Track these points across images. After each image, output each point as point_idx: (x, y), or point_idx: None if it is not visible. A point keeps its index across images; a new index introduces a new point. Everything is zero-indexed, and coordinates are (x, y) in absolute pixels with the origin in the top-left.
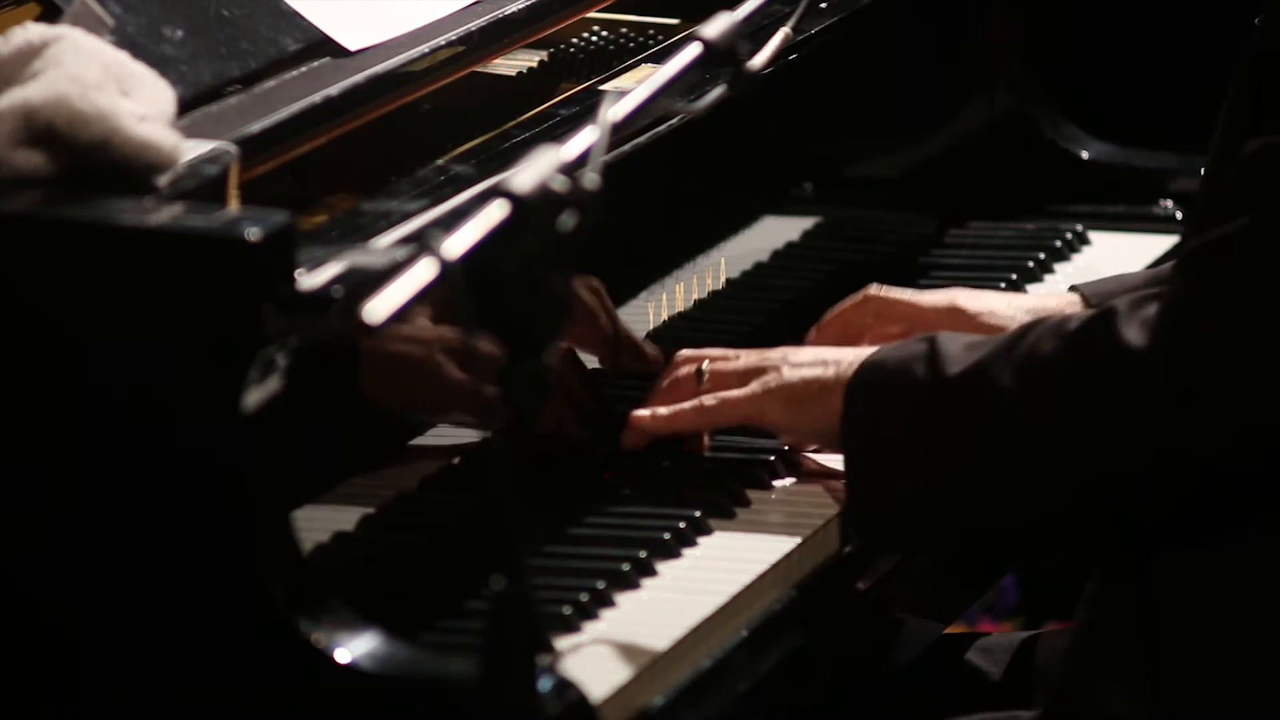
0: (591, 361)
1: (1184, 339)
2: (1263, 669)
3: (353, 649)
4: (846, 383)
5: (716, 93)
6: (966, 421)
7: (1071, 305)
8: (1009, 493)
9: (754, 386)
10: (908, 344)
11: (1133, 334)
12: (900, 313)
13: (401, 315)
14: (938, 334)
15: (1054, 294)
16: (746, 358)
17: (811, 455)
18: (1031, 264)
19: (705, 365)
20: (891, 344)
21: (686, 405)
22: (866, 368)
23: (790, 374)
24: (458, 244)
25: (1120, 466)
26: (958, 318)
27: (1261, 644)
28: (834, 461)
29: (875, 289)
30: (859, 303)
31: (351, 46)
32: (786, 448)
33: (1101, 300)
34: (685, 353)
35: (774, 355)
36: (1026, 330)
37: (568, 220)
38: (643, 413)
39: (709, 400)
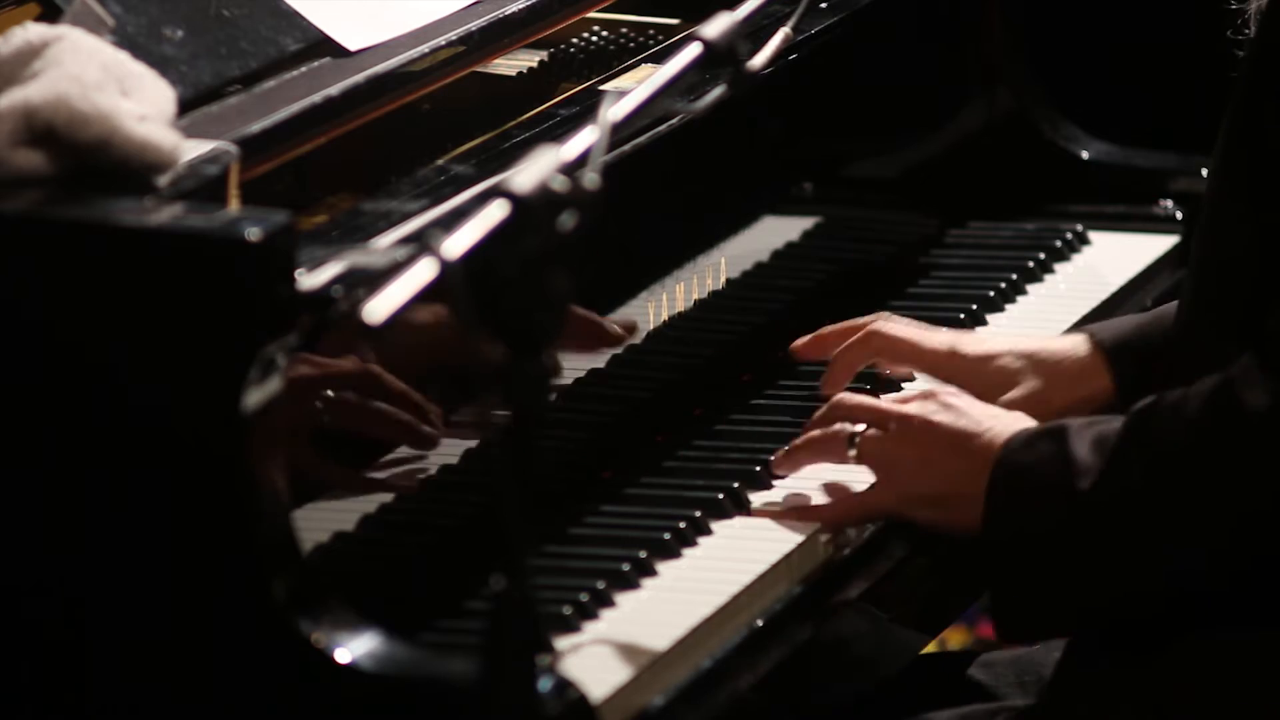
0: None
1: None
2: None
3: (353, 649)
4: (987, 491)
5: (716, 93)
6: (1104, 532)
7: (1079, 347)
8: (1136, 585)
9: (899, 488)
10: (1036, 443)
11: (1258, 399)
12: (902, 355)
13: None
14: (1067, 429)
15: (1059, 337)
16: (896, 425)
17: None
18: (1031, 264)
19: (855, 433)
20: (1020, 438)
21: (828, 505)
22: (1005, 474)
23: (936, 464)
24: (458, 244)
25: (1264, 535)
26: (958, 364)
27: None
28: (835, 463)
29: (880, 324)
30: (863, 339)
31: (351, 46)
32: (786, 448)
33: (1113, 343)
34: (845, 399)
35: (922, 423)
36: (1147, 417)
37: (568, 220)
38: (784, 508)
39: (855, 512)
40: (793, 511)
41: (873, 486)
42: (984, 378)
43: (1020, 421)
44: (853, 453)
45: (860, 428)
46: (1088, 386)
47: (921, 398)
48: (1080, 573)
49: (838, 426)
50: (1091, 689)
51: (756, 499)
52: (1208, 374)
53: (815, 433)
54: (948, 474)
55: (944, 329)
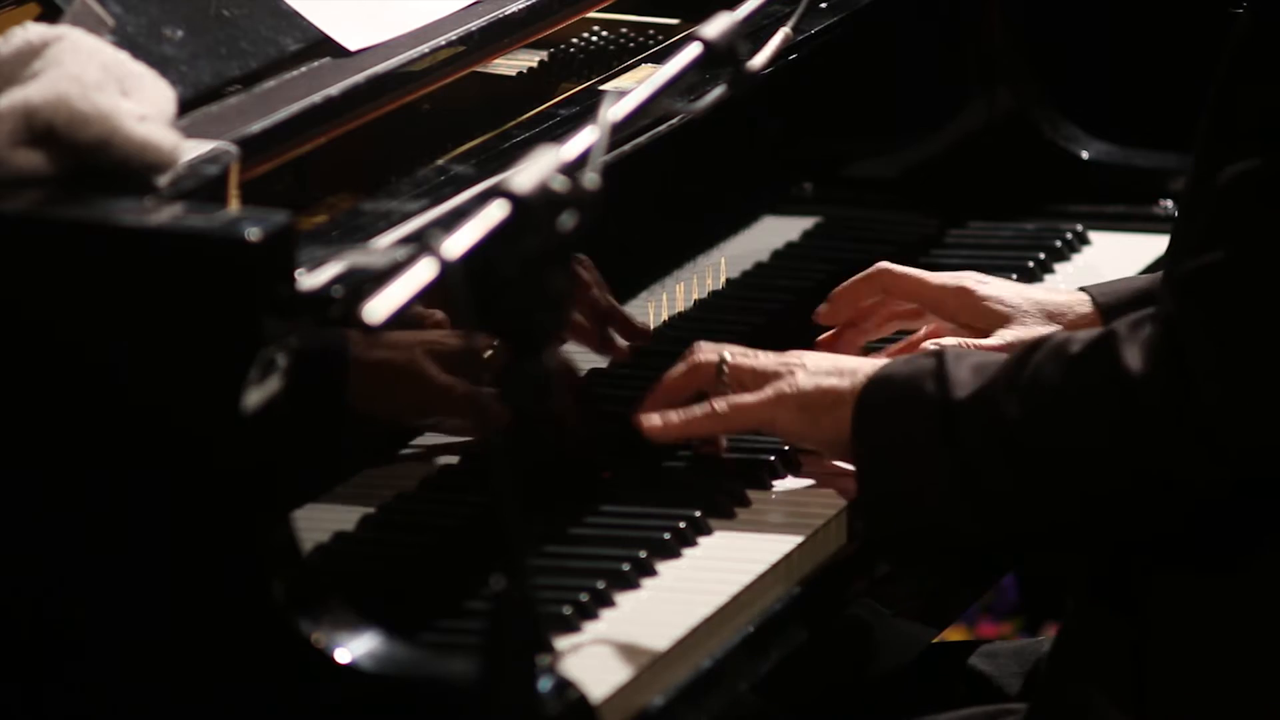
0: (588, 357)
1: (1181, 363)
2: (1252, 694)
3: (353, 649)
4: (857, 395)
5: (716, 93)
6: (969, 444)
7: (1080, 304)
8: (1007, 511)
9: (768, 392)
10: (916, 359)
11: (1132, 358)
12: (909, 289)
13: (398, 317)
14: (946, 351)
15: (1063, 290)
16: (764, 358)
17: (812, 456)
18: (1031, 264)
19: (727, 359)
20: (901, 358)
21: (699, 411)
22: (876, 382)
23: (806, 381)
24: (458, 244)
25: (1117, 488)
26: (965, 299)
27: (1250, 670)
28: (833, 465)
29: (886, 264)
30: (869, 276)
31: (351, 46)
32: (787, 448)
33: (1110, 303)
34: (704, 345)
35: (792, 359)
36: (1029, 352)
37: (568, 220)
38: (654, 418)
39: (722, 406)
40: (671, 422)
41: (746, 395)
42: (987, 316)
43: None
44: (724, 376)
45: (727, 355)
46: None
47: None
48: (946, 484)
49: (704, 357)
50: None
51: (757, 498)
52: None
53: (680, 368)
54: (822, 385)
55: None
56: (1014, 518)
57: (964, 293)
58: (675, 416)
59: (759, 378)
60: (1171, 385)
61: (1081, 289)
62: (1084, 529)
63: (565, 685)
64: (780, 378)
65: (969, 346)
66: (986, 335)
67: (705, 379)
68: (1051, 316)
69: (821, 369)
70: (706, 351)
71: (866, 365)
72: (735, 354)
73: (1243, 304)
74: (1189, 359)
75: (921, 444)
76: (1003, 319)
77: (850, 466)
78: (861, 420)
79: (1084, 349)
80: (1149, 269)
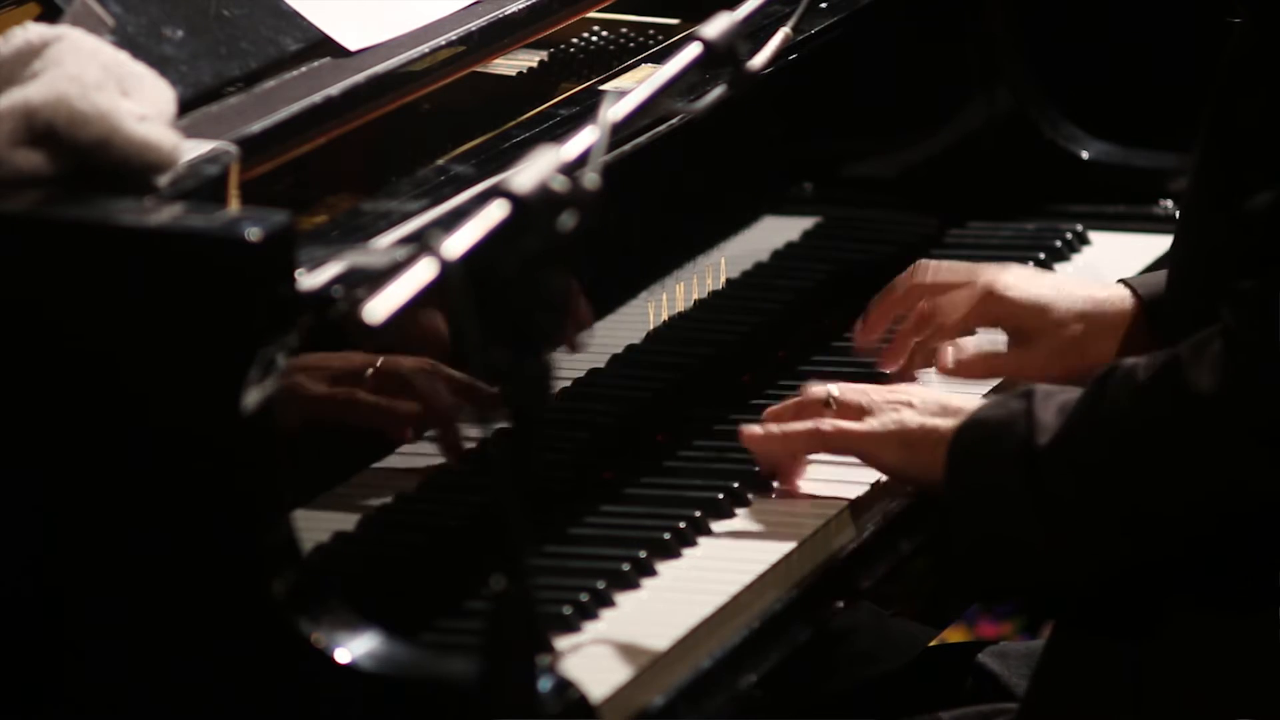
0: (588, 357)
1: (1254, 379)
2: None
3: (353, 649)
4: (952, 435)
5: (716, 93)
6: (1052, 490)
7: (1121, 299)
8: (1091, 549)
9: (873, 424)
10: (1009, 401)
11: (1200, 379)
12: (945, 306)
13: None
14: (1035, 392)
15: (1102, 284)
16: (875, 393)
17: (812, 456)
18: (1031, 264)
19: (834, 393)
20: (998, 399)
21: (801, 427)
22: (969, 425)
23: (911, 418)
24: (458, 244)
25: (1196, 512)
26: (1004, 308)
27: (1243, 657)
28: (833, 465)
29: (920, 274)
30: (905, 295)
31: (351, 46)
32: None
33: (1153, 295)
34: (814, 384)
35: (901, 395)
36: (1102, 386)
37: (568, 220)
38: (755, 428)
39: (826, 426)
40: (772, 433)
41: (853, 423)
42: (1028, 322)
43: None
44: (830, 409)
45: (834, 390)
46: (1128, 337)
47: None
48: (1033, 531)
49: (813, 392)
50: (1076, 679)
51: (756, 499)
52: None
53: (789, 402)
54: (920, 425)
55: (988, 267)
56: (1098, 555)
57: (1001, 303)
58: (778, 429)
59: (865, 411)
60: (1243, 401)
61: (1121, 281)
62: (1164, 555)
63: (565, 685)
64: (888, 411)
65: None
66: (1024, 342)
67: (814, 412)
68: (1093, 316)
69: (929, 407)
70: (816, 388)
71: (971, 405)
72: (845, 389)
73: None
74: (1259, 374)
75: (1007, 490)
76: (1042, 327)
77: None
78: (952, 463)
79: (1151, 378)
80: (1149, 269)
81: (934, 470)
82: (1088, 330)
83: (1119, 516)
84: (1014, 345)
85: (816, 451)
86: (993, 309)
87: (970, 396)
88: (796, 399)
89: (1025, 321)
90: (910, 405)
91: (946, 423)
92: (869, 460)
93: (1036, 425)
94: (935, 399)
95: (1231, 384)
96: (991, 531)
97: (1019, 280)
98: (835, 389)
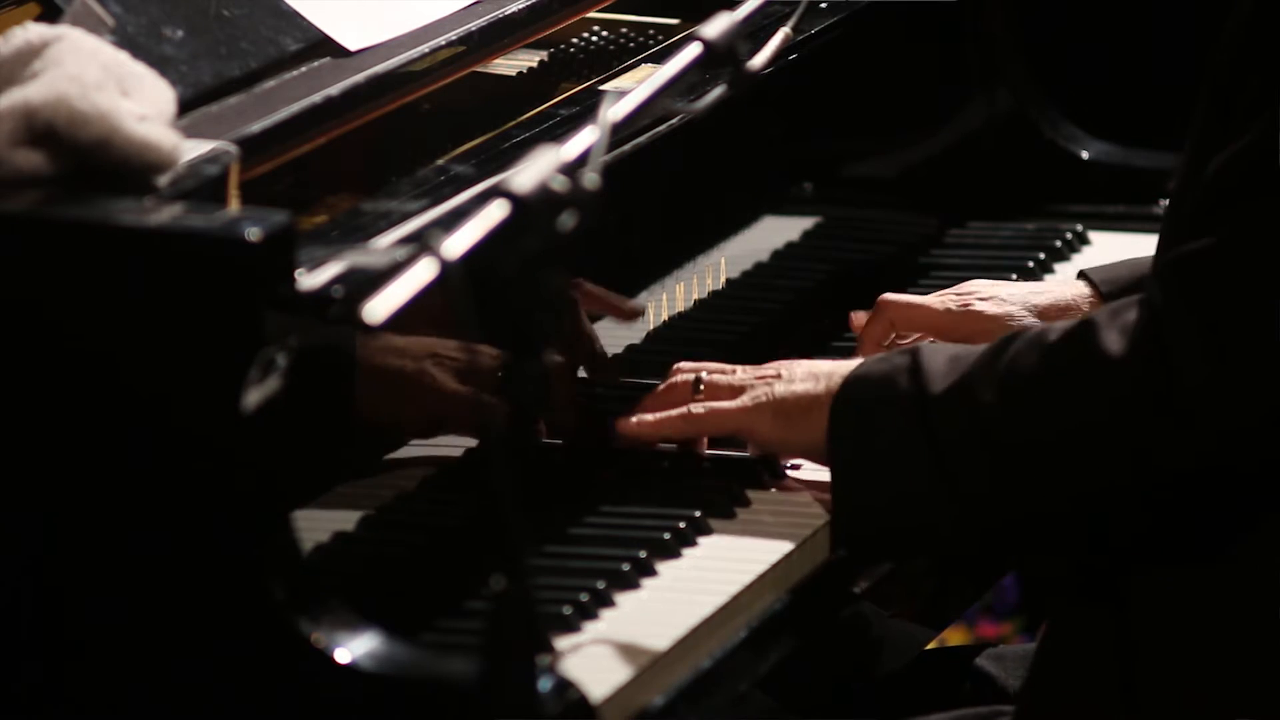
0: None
1: (1161, 346)
2: (1243, 679)
3: (353, 649)
4: (832, 397)
5: (716, 93)
6: (947, 437)
7: (1084, 298)
8: (990, 505)
9: (744, 399)
10: (891, 357)
11: (1112, 342)
12: (917, 320)
13: (398, 321)
14: (921, 346)
15: (1067, 283)
16: (743, 372)
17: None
18: (1031, 264)
19: (703, 376)
20: (875, 357)
21: (674, 413)
22: (850, 383)
23: (781, 389)
24: (458, 244)
25: (1101, 476)
26: (975, 322)
27: (1240, 655)
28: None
29: (889, 295)
30: (876, 314)
31: (351, 46)
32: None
33: (1112, 286)
34: (684, 365)
35: (769, 369)
36: (1007, 343)
37: (568, 220)
38: (630, 420)
39: (697, 409)
40: (645, 420)
41: (723, 402)
42: (998, 334)
43: None
44: (700, 393)
45: (704, 375)
46: None
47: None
48: (924, 483)
49: (680, 377)
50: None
51: (757, 498)
52: None
53: (659, 388)
54: (797, 390)
55: (954, 288)
56: (993, 512)
57: (972, 316)
58: (650, 418)
59: (735, 391)
60: (1152, 368)
61: (1081, 273)
62: (1065, 521)
63: (565, 685)
64: (758, 386)
65: None
66: None
67: (682, 396)
68: (1058, 317)
69: (797, 375)
70: (684, 370)
71: (843, 367)
72: (712, 370)
73: (1228, 288)
74: (1172, 342)
75: (897, 442)
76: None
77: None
78: (836, 422)
79: (1062, 336)
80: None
81: (814, 435)
82: None
83: (1014, 469)
84: None
85: (693, 434)
86: (963, 324)
87: (838, 362)
88: (666, 385)
89: (990, 335)
90: (779, 376)
91: (818, 386)
92: (747, 436)
93: (927, 374)
94: (804, 367)
95: (1141, 349)
96: (882, 488)
97: (990, 295)
98: (703, 370)
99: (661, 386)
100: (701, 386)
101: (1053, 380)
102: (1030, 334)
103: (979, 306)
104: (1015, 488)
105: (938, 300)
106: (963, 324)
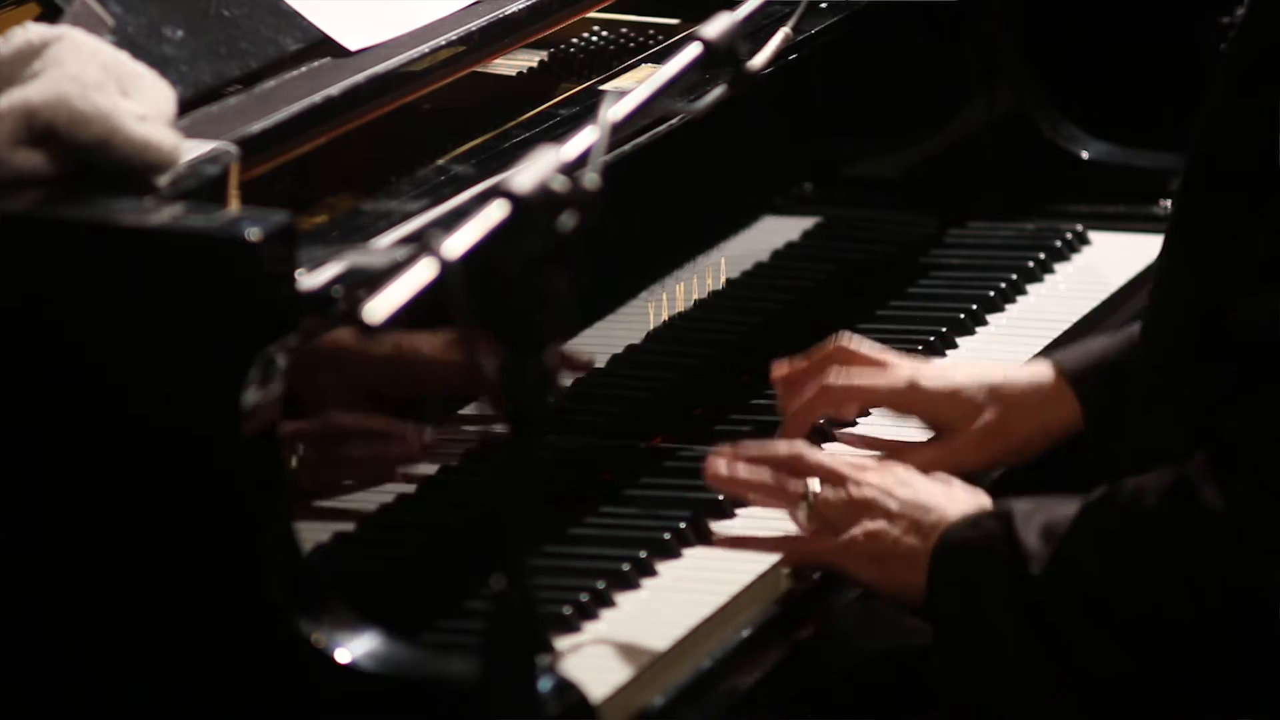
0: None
1: (1264, 496)
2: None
3: (353, 649)
4: (929, 560)
5: (716, 93)
6: (1055, 618)
7: (1043, 375)
8: (1107, 675)
9: (844, 539)
10: (982, 523)
11: (1215, 501)
12: (860, 398)
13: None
14: (1013, 514)
15: (1024, 366)
16: (856, 489)
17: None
18: (1031, 264)
19: (811, 492)
20: (967, 520)
21: (773, 539)
22: (946, 553)
23: (887, 533)
24: (458, 244)
25: (1217, 628)
26: (918, 397)
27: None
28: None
29: (830, 380)
30: (817, 396)
31: (351, 46)
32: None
33: (1077, 373)
34: (807, 456)
35: (886, 498)
36: (1102, 510)
37: (568, 220)
38: (721, 464)
39: (800, 517)
40: (738, 542)
41: (819, 535)
42: (946, 411)
43: (973, 501)
44: (802, 515)
45: (814, 485)
46: (1052, 416)
47: (880, 469)
48: (1030, 654)
49: (794, 482)
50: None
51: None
52: (1165, 424)
53: (769, 479)
54: (895, 542)
55: (905, 361)
56: (1100, 679)
57: (916, 391)
58: (744, 472)
59: (844, 514)
60: (1256, 517)
61: (1043, 355)
62: (1170, 670)
63: (565, 685)
64: (861, 519)
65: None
66: (945, 431)
67: (791, 500)
68: (1013, 397)
69: (906, 517)
70: (793, 459)
71: (945, 519)
72: (824, 490)
73: None
74: (1267, 490)
75: (1003, 623)
76: (961, 415)
77: None
78: (936, 593)
79: (1161, 503)
80: (1149, 269)
81: (912, 590)
82: (1004, 414)
83: (1126, 639)
84: (935, 439)
85: (794, 565)
86: (908, 400)
87: (946, 507)
88: (782, 469)
89: (940, 413)
90: (887, 513)
91: (921, 543)
92: (843, 573)
93: (1024, 552)
94: (915, 506)
95: (1243, 502)
96: (989, 663)
97: (935, 372)
98: (814, 486)
99: (772, 480)
100: (812, 498)
101: (1166, 553)
102: (1124, 499)
103: (922, 382)
104: (1138, 656)
105: (885, 381)
106: (908, 399)
